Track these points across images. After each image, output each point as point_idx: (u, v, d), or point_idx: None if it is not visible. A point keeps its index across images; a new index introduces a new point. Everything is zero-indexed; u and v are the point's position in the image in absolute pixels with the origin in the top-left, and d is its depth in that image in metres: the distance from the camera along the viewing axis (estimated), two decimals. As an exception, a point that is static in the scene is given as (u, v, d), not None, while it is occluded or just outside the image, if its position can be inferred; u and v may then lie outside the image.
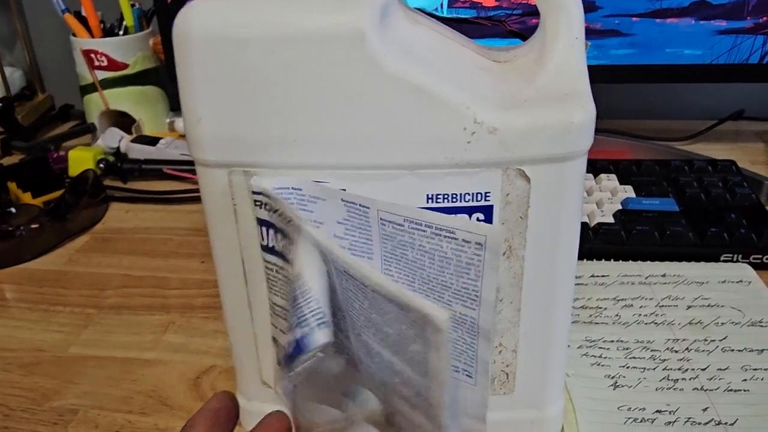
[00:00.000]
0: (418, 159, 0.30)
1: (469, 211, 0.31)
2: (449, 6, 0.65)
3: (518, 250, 0.32)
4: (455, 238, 0.29)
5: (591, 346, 0.47)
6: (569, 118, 0.29)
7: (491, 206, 0.31)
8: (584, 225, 0.58)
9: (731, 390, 0.42)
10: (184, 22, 0.29)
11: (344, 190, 0.31)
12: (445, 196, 0.31)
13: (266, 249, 0.32)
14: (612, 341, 0.47)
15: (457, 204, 0.31)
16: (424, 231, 0.29)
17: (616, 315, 0.50)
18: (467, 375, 0.32)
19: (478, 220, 0.31)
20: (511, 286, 0.32)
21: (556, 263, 0.32)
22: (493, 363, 0.34)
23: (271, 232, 0.31)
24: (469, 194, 0.30)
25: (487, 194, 0.30)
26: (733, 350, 0.46)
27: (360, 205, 0.30)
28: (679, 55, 0.67)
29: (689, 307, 0.50)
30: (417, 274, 0.31)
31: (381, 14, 0.29)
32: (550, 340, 0.34)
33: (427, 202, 0.31)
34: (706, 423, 0.40)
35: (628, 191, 0.62)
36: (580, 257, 0.55)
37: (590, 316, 0.50)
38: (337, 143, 0.30)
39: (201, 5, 0.29)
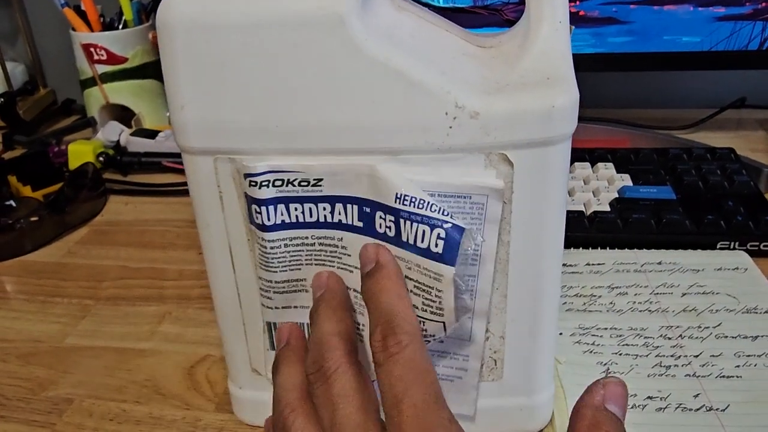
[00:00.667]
0: (400, 144, 0.30)
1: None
2: (445, -5, 0.65)
3: (503, 236, 0.32)
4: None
5: (584, 334, 0.47)
6: (551, 102, 0.29)
7: (475, 191, 0.31)
8: (580, 214, 0.57)
9: (723, 376, 0.42)
10: (166, 9, 0.29)
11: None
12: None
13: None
14: (605, 329, 0.47)
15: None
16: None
17: (611, 303, 0.50)
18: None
19: (462, 205, 0.31)
20: (498, 272, 0.32)
21: (542, 249, 0.32)
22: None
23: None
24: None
25: (470, 179, 0.30)
26: (726, 337, 0.45)
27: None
28: (678, 42, 0.66)
29: (684, 294, 0.50)
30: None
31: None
32: (537, 326, 0.34)
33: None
34: (698, 409, 0.40)
35: (626, 180, 0.61)
36: (576, 246, 0.56)
37: (584, 304, 0.50)
38: (319, 128, 0.30)
39: (182, -7, 0.29)
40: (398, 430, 0.26)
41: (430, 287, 0.30)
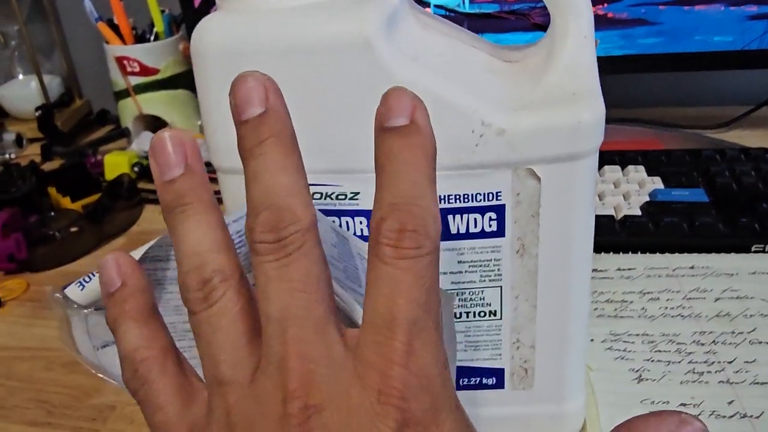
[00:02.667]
0: (428, 161, 0.30)
1: (481, 210, 0.31)
2: (471, 2, 0.65)
3: (531, 248, 0.32)
4: None
5: (615, 340, 0.47)
6: (577, 117, 0.29)
7: (503, 205, 0.31)
8: (610, 218, 0.57)
9: (758, 383, 0.42)
10: (199, 37, 0.30)
11: (334, 221, 0.32)
12: (457, 197, 0.31)
13: None
14: (637, 335, 0.47)
15: (469, 204, 0.31)
16: None
17: (642, 308, 0.49)
18: None
19: (490, 219, 0.32)
20: (526, 283, 0.33)
21: (570, 260, 0.32)
22: (512, 359, 0.35)
23: None
24: (480, 194, 0.31)
25: (498, 194, 0.31)
26: (761, 342, 0.45)
27: (342, 235, 0.31)
28: (709, 42, 0.66)
29: (717, 299, 0.49)
30: None
31: (388, 21, 0.30)
32: (567, 335, 0.34)
33: (440, 202, 0.31)
34: (731, 416, 0.40)
35: (657, 182, 0.61)
36: (606, 250, 0.56)
37: (615, 309, 0.50)
38: (348, 148, 0.31)
39: (215, 20, 0.30)
40: (388, 358, 0.21)
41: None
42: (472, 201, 0.31)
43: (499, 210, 0.31)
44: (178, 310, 0.32)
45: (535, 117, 0.30)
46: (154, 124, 0.85)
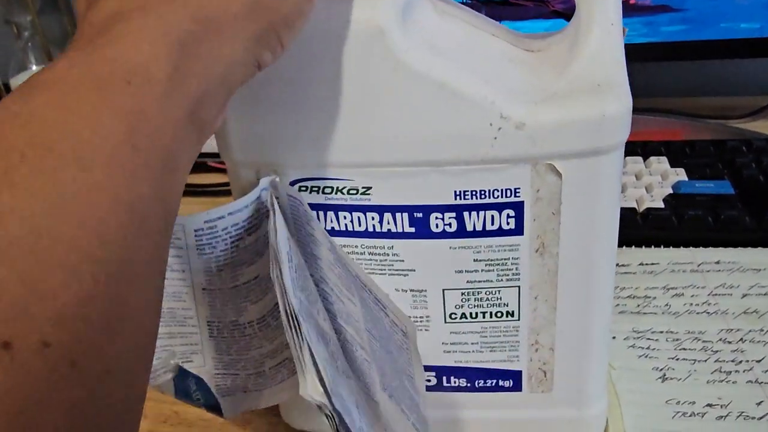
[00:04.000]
0: (444, 155, 0.29)
1: (499, 207, 0.30)
2: (489, -12, 0.64)
3: (551, 247, 0.31)
4: (387, 316, 0.28)
5: (638, 338, 0.45)
6: (602, 110, 0.28)
7: (522, 202, 0.30)
8: (632, 211, 0.56)
9: (788, 383, 0.40)
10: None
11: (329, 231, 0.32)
12: (474, 193, 0.30)
13: None
14: (661, 332, 0.45)
15: (486, 200, 0.30)
16: (368, 294, 0.29)
17: (666, 304, 0.48)
18: None
19: (508, 216, 0.30)
20: (546, 283, 0.32)
21: (593, 260, 0.31)
22: (530, 361, 0.34)
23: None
24: (498, 191, 0.30)
25: (517, 190, 0.30)
26: (791, 341, 0.44)
27: (332, 244, 0.30)
28: (735, 29, 0.63)
29: (744, 295, 0.48)
30: (380, 332, 0.30)
31: (403, 9, 0.28)
32: (588, 338, 0.33)
33: (455, 198, 0.30)
34: (761, 418, 0.38)
35: (680, 174, 0.59)
36: (628, 244, 0.54)
37: (638, 306, 0.48)
38: (360, 141, 0.30)
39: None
40: None
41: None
42: (490, 197, 0.30)
43: (518, 207, 0.30)
44: (177, 296, 0.32)
45: (557, 110, 0.28)
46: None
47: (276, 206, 0.30)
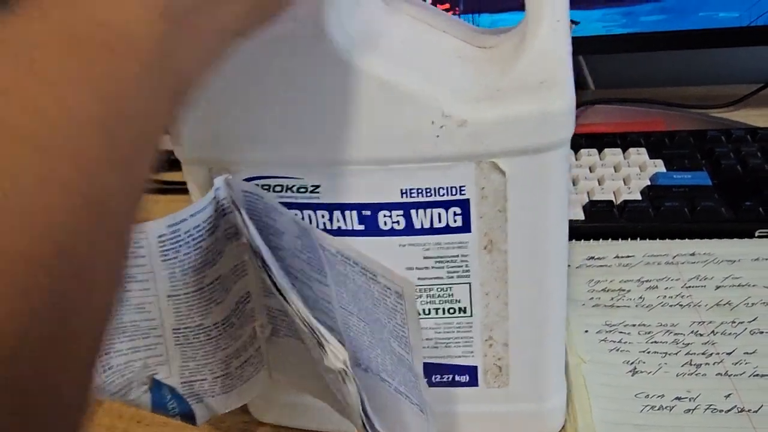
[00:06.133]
0: (388, 154, 0.29)
1: (446, 205, 0.30)
2: (465, -19, 0.63)
3: (499, 244, 0.31)
4: (378, 282, 0.28)
5: (611, 331, 0.45)
6: (545, 107, 0.28)
7: (467, 200, 0.30)
8: (609, 203, 0.55)
9: (757, 375, 0.40)
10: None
11: (296, 214, 0.32)
12: (419, 191, 0.30)
13: None
14: (633, 325, 0.45)
15: (432, 198, 0.30)
16: (353, 266, 0.29)
17: (640, 297, 0.48)
18: (419, 409, 0.31)
19: (455, 214, 0.30)
20: (496, 280, 0.32)
21: (542, 256, 0.31)
22: (485, 356, 0.34)
23: None
24: (443, 189, 0.30)
25: (462, 188, 0.30)
26: (762, 332, 0.43)
27: (304, 227, 0.30)
28: (714, 18, 0.63)
29: (718, 287, 0.48)
30: (359, 305, 0.30)
31: (347, 9, 0.28)
32: (543, 333, 0.33)
33: (402, 197, 0.30)
34: (728, 410, 0.38)
35: (659, 165, 0.59)
36: (605, 237, 0.54)
37: (612, 299, 0.48)
38: (308, 139, 0.30)
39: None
40: None
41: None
42: (436, 195, 0.30)
43: (464, 205, 0.30)
44: (140, 308, 0.32)
45: (501, 107, 0.28)
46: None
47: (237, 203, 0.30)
